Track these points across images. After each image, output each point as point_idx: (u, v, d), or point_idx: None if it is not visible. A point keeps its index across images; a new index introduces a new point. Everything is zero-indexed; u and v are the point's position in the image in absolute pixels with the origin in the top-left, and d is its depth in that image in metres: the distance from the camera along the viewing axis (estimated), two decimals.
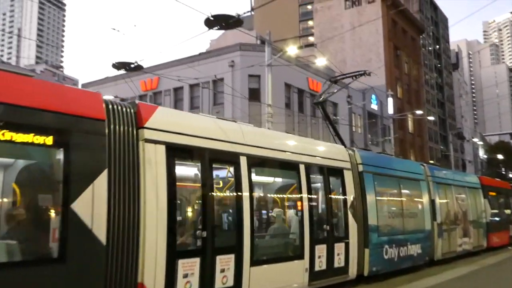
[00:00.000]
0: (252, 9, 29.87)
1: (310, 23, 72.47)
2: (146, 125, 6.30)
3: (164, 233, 6.27)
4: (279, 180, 9.96)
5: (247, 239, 7.49)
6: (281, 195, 9.96)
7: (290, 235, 9.32)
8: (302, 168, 9.13)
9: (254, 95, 31.19)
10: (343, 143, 12.22)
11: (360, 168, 11.07)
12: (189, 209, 7.70)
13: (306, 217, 8.97)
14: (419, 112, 49.12)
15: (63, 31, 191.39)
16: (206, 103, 33.51)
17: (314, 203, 9.52)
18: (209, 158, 7.17)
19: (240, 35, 29.27)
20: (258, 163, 8.33)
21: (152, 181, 6.19)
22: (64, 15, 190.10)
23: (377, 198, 11.43)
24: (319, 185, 9.93)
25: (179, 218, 6.97)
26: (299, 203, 9.06)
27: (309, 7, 74.38)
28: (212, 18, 10.37)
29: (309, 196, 9.20)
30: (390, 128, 41.61)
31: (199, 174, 7.19)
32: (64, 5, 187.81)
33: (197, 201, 7.41)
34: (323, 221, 9.72)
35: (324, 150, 10.46)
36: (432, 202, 14.48)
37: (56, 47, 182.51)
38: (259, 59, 25.46)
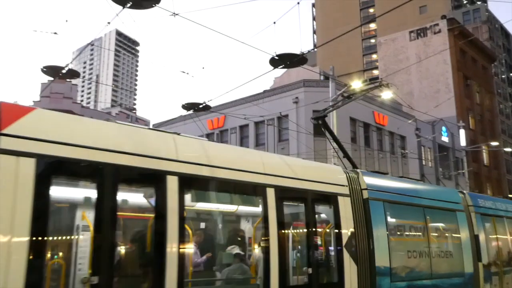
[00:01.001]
0: (315, 47, 30.22)
1: (374, 56, 71.98)
2: (4, 131, 4.72)
3: None
4: (233, 208, 7.86)
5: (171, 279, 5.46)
6: (237, 227, 8.32)
7: (252, 281, 7.21)
8: (270, 193, 6.92)
9: (319, 130, 31.09)
10: (353, 165, 10.55)
11: (365, 194, 8.76)
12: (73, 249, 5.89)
13: (275, 257, 6.68)
14: (494, 143, 46.70)
15: (136, 75, 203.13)
16: (271, 140, 33.91)
17: (289, 238, 7.69)
18: (112, 177, 5.28)
19: (303, 71, 29.69)
20: (200, 185, 6.38)
21: (6, 204, 4.46)
22: (137, 61, 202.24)
23: (390, 232, 9.26)
24: (298, 214, 8.04)
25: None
26: (266, 238, 6.81)
27: (372, 40, 74.08)
28: (276, 57, 10.70)
29: (282, 229, 6.99)
30: (463, 161, 39.72)
31: (91, 197, 5.40)
32: (137, 51, 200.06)
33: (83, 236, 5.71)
34: (303, 262, 7.68)
35: (307, 171, 8.16)
36: (476, 238, 11.91)
37: (130, 90, 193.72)
38: (323, 94, 25.60)
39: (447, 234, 11.30)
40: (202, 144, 6.85)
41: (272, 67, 11.01)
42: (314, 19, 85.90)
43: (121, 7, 8.46)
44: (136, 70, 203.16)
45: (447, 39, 53.73)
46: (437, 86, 53.05)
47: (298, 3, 10.49)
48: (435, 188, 13.84)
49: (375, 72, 70.26)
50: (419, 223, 10.33)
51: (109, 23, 9.86)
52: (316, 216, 8.01)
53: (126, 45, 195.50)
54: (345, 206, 8.24)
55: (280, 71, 45.10)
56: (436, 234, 10.91)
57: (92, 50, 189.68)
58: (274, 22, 11.09)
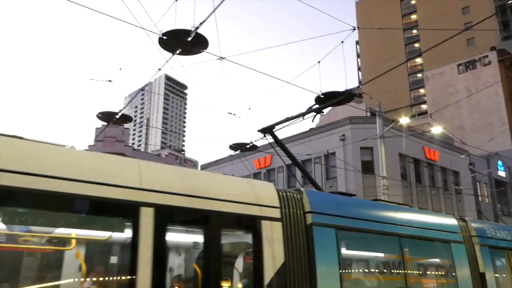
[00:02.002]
0: (361, 84, 30.18)
1: (421, 90, 70.81)
2: None
3: None
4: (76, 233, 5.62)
5: None
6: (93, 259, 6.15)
7: None
8: (146, 213, 5.26)
9: (368, 167, 30.67)
10: (317, 187, 8.98)
11: (309, 218, 6.88)
12: None
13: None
14: None
15: (185, 117, 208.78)
16: (319, 178, 33.59)
17: (168, 273, 6.02)
18: None
19: (349, 108, 29.59)
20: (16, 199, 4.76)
21: None
22: (185, 103, 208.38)
23: (345, 268, 7.25)
24: (191, 243, 6.64)
25: None
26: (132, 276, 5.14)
27: (419, 75, 73.09)
28: (322, 96, 10.76)
29: (159, 263, 5.22)
30: None
31: None
32: (186, 94, 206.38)
33: None
34: None
35: (216, 186, 6.26)
36: (482, 277, 9.60)
37: (179, 132, 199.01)
38: (370, 131, 25.32)
39: (435, 272, 8.96)
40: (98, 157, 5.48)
41: (318, 106, 11.04)
42: (358, 56, 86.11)
43: (170, 54, 8.86)
44: (185, 113, 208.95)
45: (497, 70, 52.22)
46: (490, 119, 51.22)
47: (342, 42, 10.61)
48: (421, 213, 10.04)
49: (423, 106, 68.93)
50: (392, 257, 8.04)
51: (159, 69, 10.30)
52: (224, 246, 6.11)
53: (175, 89, 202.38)
54: (272, 233, 6.36)
55: (326, 109, 45.14)
56: (419, 272, 8.55)
57: (143, 95, 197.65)
58: (319, 62, 11.24)
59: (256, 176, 36.82)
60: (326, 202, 7.51)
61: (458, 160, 37.08)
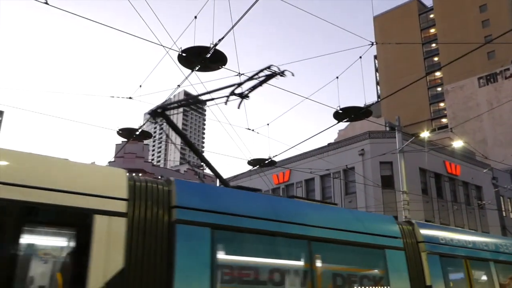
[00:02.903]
0: (379, 98, 30.07)
1: (442, 104, 70.09)
2: None
3: None
4: None
5: None
6: None
7: None
8: None
9: (387, 182, 30.33)
10: (219, 178, 7.45)
11: (174, 215, 5.46)
12: None
13: None
14: None
15: (203, 133, 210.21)
16: (338, 193, 33.33)
17: None
18: None
19: (368, 123, 29.42)
20: None
21: None
22: (204, 119, 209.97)
23: (222, 276, 5.66)
24: None
25: None
26: None
27: (439, 89, 72.43)
28: (341, 111, 10.76)
29: None
30: None
31: None
32: (204, 110, 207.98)
33: None
34: None
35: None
36: None
37: (197, 148, 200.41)
38: (389, 145, 25.10)
39: (359, 284, 7.01)
40: None
41: (337, 121, 11.05)
42: (377, 70, 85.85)
43: (189, 70, 9.00)
44: (203, 129, 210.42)
45: None
46: None
47: (360, 57, 10.63)
48: (348, 214, 8.11)
49: (444, 120, 68.15)
50: (296, 265, 6.42)
51: (179, 85, 10.45)
52: (31, 248, 4.71)
53: (193, 105, 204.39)
54: (109, 232, 4.95)
55: (344, 124, 44.99)
56: (334, 283, 6.71)
57: None
58: (337, 77, 11.25)
59: (275, 191, 36.74)
60: (201, 194, 5.86)
61: (480, 175, 36.42)
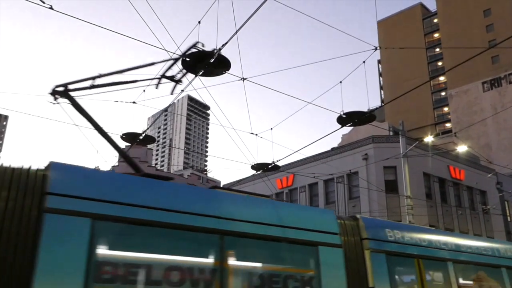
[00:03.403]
0: (383, 103, 30.06)
1: (446, 109, 69.97)
2: None
3: None
4: None
5: None
6: None
7: None
8: None
9: (391, 187, 30.26)
10: (136, 169, 6.41)
11: (47, 203, 4.69)
12: None
13: None
14: None
15: (207, 138, 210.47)
16: (342, 198, 33.27)
17: None
18: None
19: (371, 127, 29.39)
20: None
21: None
22: (208, 124, 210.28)
23: (100, 275, 4.78)
24: None
25: None
26: None
27: (443, 93, 72.32)
28: (344, 116, 10.76)
29: None
30: None
31: None
32: (208, 115, 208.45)
33: None
34: None
35: None
36: None
37: (201, 153, 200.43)
38: (393, 150, 25.06)
39: (283, 284, 6.13)
40: None
41: (340, 126, 11.04)
42: (380, 75, 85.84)
43: (193, 75, 9.02)
44: (207, 133, 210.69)
45: None
46: None
47: (364, 62, 10.63)
48: (275, 207, 6.78)
49: (448, 125, 68.00)
50: (202, 262, 5.60)
51: (182, 90, 10.47)
52: None
53: (197, 110, 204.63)
54: None
55: (347, 128, 45.01)
56: (250, 284, 5.86)
57: (166, 116, 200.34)
58: (340, 82, 11.26)
59: (278, 195, 36.73)
60: (84, 180, 5.01)
61: (485, 179, 36.29)
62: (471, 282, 8.67)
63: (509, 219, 38.48)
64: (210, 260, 5.64)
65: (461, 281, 8.34)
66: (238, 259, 5.81)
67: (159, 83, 6.35)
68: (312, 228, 6.64)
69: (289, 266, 6.40)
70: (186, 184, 6.33)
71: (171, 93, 6.63)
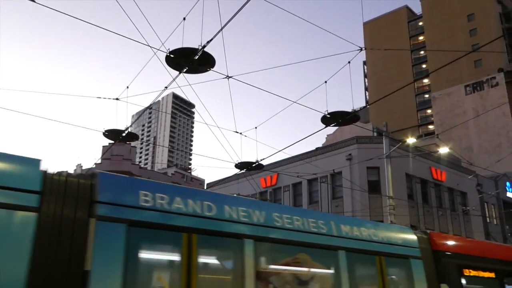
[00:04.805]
0: (367, 103, 30.29)
1: (429, 111, 70.82)
2: None
3: None
4: None
5: None
6: None
7: None
8: None
9: (374, 187, 30.51)
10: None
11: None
12: None
13: None
14: None
15: (192, 136, 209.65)
16: (325, 198, 33.44)
17: None
18: None
19: (356, 128, 29.59)
20: None
21: None
22: (192, 122, 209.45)
23: None
24: None
25: None
26: None
27: (426, 96, 73.19)
28: (328, 116, 10.80)
29: None
30: None
31: None
32: (193, 113, 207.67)
33: None
34: None
35: None
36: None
37: (185, 151, 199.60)
38: (377, 151, 25.26)
39: None
40: None
41: (324, 125, 11.09)
42: (365, 76, 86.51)
43: (177, 72, 8.96)
44: (192, 131, 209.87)
45: (505, 92, 52.28)
46: (498, 140, 51.04)
47: (349, 62, 10.69)
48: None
49: (430, 127, 68.83)
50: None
51: (166, 87, 10.41)
52: None
53: (182, 108, 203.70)
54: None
55: (332, 129, 45.23)
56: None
57: (150, 113, 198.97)
58: (325, 82, 11.30)
59: (262, 194, 36.74)
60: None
61: (465, 181, 36.84)
62: (280, 268, 6.02)
63: (488, 220, 39.12)
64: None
65: (261, 264, 5.80)
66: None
67: None
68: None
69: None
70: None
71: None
